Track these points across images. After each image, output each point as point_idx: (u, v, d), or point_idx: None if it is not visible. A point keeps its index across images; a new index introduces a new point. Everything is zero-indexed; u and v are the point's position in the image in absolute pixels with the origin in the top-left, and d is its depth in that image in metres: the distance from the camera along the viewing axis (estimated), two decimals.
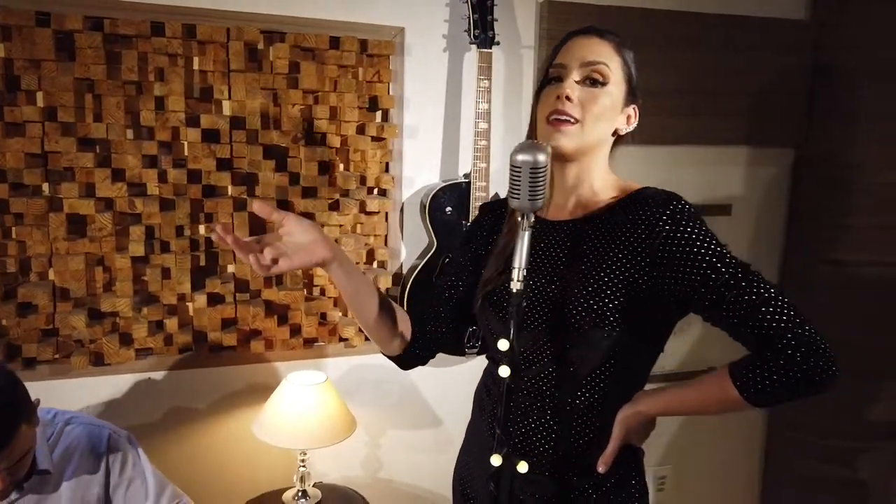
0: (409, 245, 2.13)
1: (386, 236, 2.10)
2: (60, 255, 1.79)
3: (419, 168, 2.12)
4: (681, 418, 2.59)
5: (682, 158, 2.44)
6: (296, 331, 2.03)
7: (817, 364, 0.97)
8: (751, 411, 2.62)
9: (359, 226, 2.06)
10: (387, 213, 2.08)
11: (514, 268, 1.02)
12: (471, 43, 1.98)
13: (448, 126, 2.12)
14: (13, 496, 1.34)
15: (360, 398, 2.15)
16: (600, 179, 1.16)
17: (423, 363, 1.30)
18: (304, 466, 1.88)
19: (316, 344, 2.08)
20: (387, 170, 2.07)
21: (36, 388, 1.77)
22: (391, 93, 2.03)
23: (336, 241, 2.00)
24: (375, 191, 2.08)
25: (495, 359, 1.19)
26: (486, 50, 1.96)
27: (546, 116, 1.11)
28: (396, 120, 2.05)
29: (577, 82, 1.10)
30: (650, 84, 2.20)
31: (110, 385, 1.91)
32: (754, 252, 2.58)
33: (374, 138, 2.02)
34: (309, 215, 1.99)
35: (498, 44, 1.98)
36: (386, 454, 2.22)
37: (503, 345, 1.05)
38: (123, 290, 1.86)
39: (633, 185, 1.16)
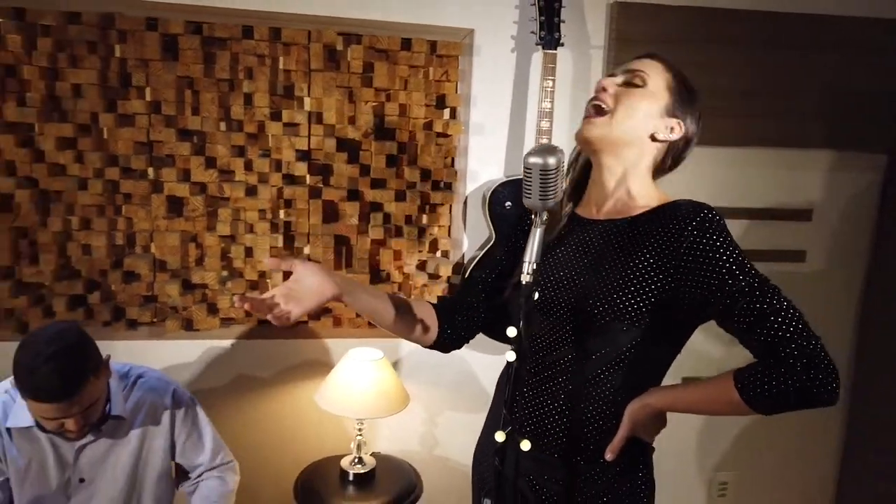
0: (472, 236, 2.23)
1: (449, 227, 2.21)
2: (160, 232, 2.04)
3: (484, 163, 2.21)
4: (747, 423, 2.55)
5: (759, 160, 2.38)
6: None
7: (816, 377, 1.00)
8: (828, 430, 2.53)
9: (423, 216, 2.19)
10: (450, 206, 2.19)
11: (524, 261, 1.10)
12: (536, 44, 2.04)
13: (514, 124, 2.20)
14: (90, 437, 1.57)
15: (420, 378, 2.29)
16: (640, 185, 1.21)
17: (459, 347, 1.40)
18: (360, 435, 2.04)
19: None
20: (452, 164, 2.18)
21: (135, 347, 2.05)
22: (459, 91, 2.14)
23: (400, 230, 2.15)
24: (441, 184, 2.19)
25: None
26: (551, 51, 2.03)
27: (586, 112, 1.21)
28: (463, 117, 2.16)
29: (617, 81, 1.20)
30: (724, 84, 2.21)
31: (197, 348, 2.15)
32: (836, 259, 2.48)
33: (440, 134, 2.13)
34: (377, 205, 2.14)
35: (563, 45, 2.04)
36: (443, 433, 2.35)
37: (511, 332, 1.13)
38: (212, 265, 2.08)
39: (672, 198, 1.21)
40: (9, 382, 1.52)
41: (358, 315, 2.19)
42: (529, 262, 1.09)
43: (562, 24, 2.04)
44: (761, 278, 1.08)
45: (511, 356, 1.14)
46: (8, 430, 1.53)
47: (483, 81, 2.16)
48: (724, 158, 2.36)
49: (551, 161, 1.05)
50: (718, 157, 2.35)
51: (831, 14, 2.27)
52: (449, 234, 2.22)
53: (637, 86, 1.19)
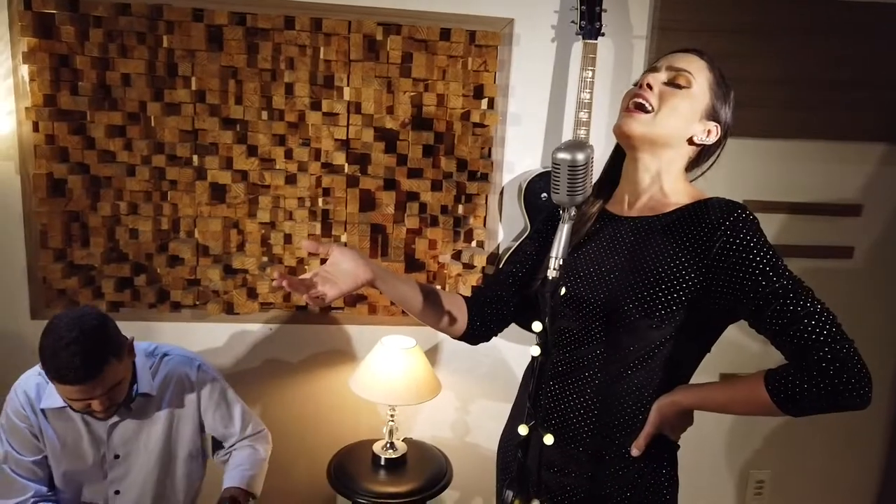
0: (508, 227, 2.24)
1: (485, 217, 2.22)
2: (203, 218, 2.10)
3: (521, 154, 2.21)
4: (784, 421, 2.50)
5: (807, 153, 2.32)
6: None
7: (849, 381, 0.99)
8: (872, 430, 2.49)
9: (459, 206, 2.20)
10: (486, 196, 2.20)
11: (551, 256, 1.10)
12: (577, 34, 2.03)
13: (552, 114, 2.19)
14: (121, 415, 1.63)
15: (453, 366, 2.31)
16: (672, 182, 1.21)
17: (487, 339, 1.41)
18: (392, 421, 2.08)
19: None
20: (489, 155, 2.18)
21: (178, 328, 2.13)
22: (497, 81, 2.13)
23: (436, 220, 2.16)
24: (477, 174, 2.20)
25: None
26: (591, 41, 2.00)
27: (626, 105, 1.19)
28: (501, 107, 2.15)
29: (663, 78, 1.18)
30: (770, 75, 2.15)
31: (237, 331, 2.22)
32: (885, 256, 2.40)
33: (476, 125, 2.14)
34: (413, 194, 2.16)
35: (603, 35, 2.01)
36: (475, 421, 2.38)
37: (537, 326, 1.14)
38: (252, 251, 2.14)
39: (705, 195, 1.20)
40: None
41: (393, 303, 2.22)
42: (556, 258, 1.09)
43: (603, 14, 2.01)
44: (795, 280, 1.06)
45: (535, 350, 1.15)
46: (42, 410, 1.60)
47: (522, 71, 2.15)
48: (771, 150, 2.30)
49: (580, 157, 1.05)
50: (764, 150, 2.30)
51: (887, 1, 2.18)
52: (484, 225, 2.22)
53: (681, 86, 1.17)
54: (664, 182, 1.21)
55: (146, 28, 1.97)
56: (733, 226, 1.09)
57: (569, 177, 1.06)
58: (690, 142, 1.20)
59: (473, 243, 2.25)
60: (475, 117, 2.13)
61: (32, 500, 1.62)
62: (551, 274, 1.10)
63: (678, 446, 1.24)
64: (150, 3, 1.96)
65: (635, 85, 1.22)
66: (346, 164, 2.13)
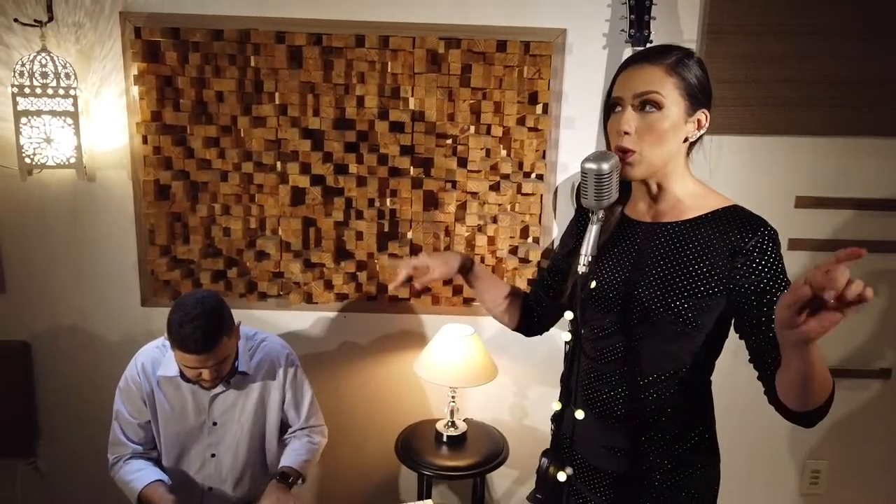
0: (561, 224, 2.38)
1: (540, 215, 2.37)
2: (286, 217, 2.36)
3: (575, 155, 2.34)
4: (841, 414, 2.53)
5: (870, 149, 2.35)
6: (458, 291, 2.42)
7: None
8: None
9: (516, 205, 2.36)
10: (541, 195, 2.35)
11: (581, 254, 1.25)
12: (626, 42, 2.14)
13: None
14: (221, 388, 1.88)
15: (510, 353, 2.48)
16: (681, 187, 1.29)
17: (540, 333, 1.63)
18: (453, 402, 2.28)
19: (474, 303, 2.44)
20: (543, 157, 2.33)
21: (265, 315, 2.38)
22: (550, 88, 2.28)
23: (495, 217, 2.34)
24: (533, 175, 2.36)
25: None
26: (640, 48, 2.12)
27: (614, 148, 1.27)
28: (554, 112, 2.30)
29: (634, 112, 1.22)
30: (821, 75, 2.20)
31: (315, 318, 2.47)
32: None
33: (531, 129, 2.29)
34: (473, 194, 2.34)
35: (651, 42, 2.12)
36: (531, 405, 2.54)
37: (568, 315, 1.30)
38: (328, 247, 2.38)
39: (721, 201, 1.27)
40: (163, 338, 1.87)
41: (454, 294, 2.41)
42: (585, 255, 1.25)
43: (652, 21, 2.12)
44: None
45: (566, 336, 1.31)
46: (157, 378, 1.88)
47: (574, 78, 2.29)
48: (825, 147, 2.34)
49: (605, 167, 1.19)
50: (817, 147, 2.34)
51: None
52: (539, 222, 2.38)
53: (653, 111, 1.21)
54: (674, 190, 1.28)
55: (236, 50, 2.24)
56: (758, 244, 1.18)
57: (595, 184, 1.21)
58: (687, 140, 1.25)
59: (529, 239, 2.41)
60: (530, 122, 2.29)
61: (130, 454, 1.90)
62: (581, 269, 1.25)
63: (713, 421, 1.35)
64: (239, 28, 2.22)
65: (609, 111, 1.28)
66: (412, 168, 2.33)
